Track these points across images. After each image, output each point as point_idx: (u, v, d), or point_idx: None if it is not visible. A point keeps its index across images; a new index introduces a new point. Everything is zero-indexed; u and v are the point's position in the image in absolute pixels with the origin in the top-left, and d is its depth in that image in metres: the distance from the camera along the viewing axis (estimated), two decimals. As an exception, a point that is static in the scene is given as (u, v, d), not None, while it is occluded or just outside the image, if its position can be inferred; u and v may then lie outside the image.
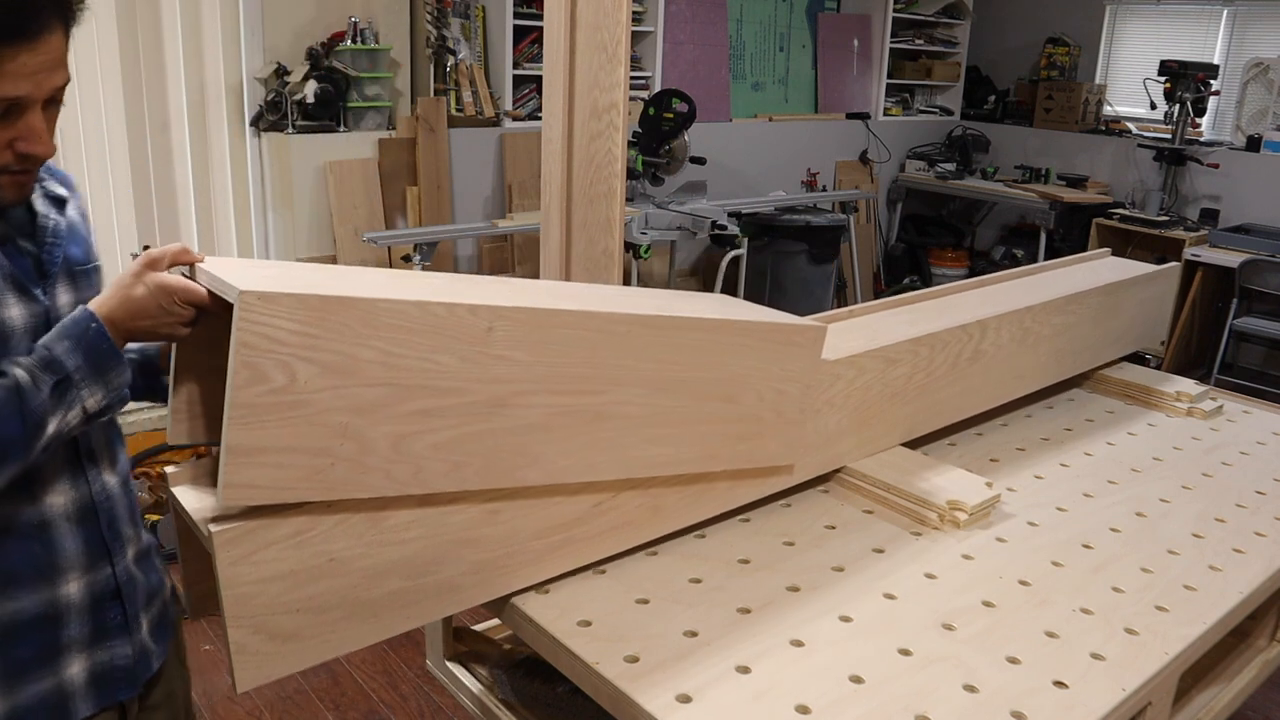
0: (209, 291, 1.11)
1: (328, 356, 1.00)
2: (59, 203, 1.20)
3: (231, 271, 1.03)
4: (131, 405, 1.19)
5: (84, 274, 1.21)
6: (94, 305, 1.09)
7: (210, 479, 1.17)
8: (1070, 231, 5.72)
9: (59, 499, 1.15)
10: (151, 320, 1.11)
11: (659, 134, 4.63)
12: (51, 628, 1.15)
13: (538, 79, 4.68)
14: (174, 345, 1.19)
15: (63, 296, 1.16)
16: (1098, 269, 2.44)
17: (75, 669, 1.18)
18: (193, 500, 1.12)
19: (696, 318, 1.33)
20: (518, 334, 1.14)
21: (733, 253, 4.75)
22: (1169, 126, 5.59)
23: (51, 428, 1.04)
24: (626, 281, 4.52)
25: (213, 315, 1.12)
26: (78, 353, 1.06)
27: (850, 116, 6.22)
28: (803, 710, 1.13)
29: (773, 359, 1.45)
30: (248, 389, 0.96)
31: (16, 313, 1.10)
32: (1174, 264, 2.56)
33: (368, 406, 1.05)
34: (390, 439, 1.08)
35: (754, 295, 5.18)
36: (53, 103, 1.06)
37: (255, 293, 0.94)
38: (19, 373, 1.03)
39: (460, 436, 1.14)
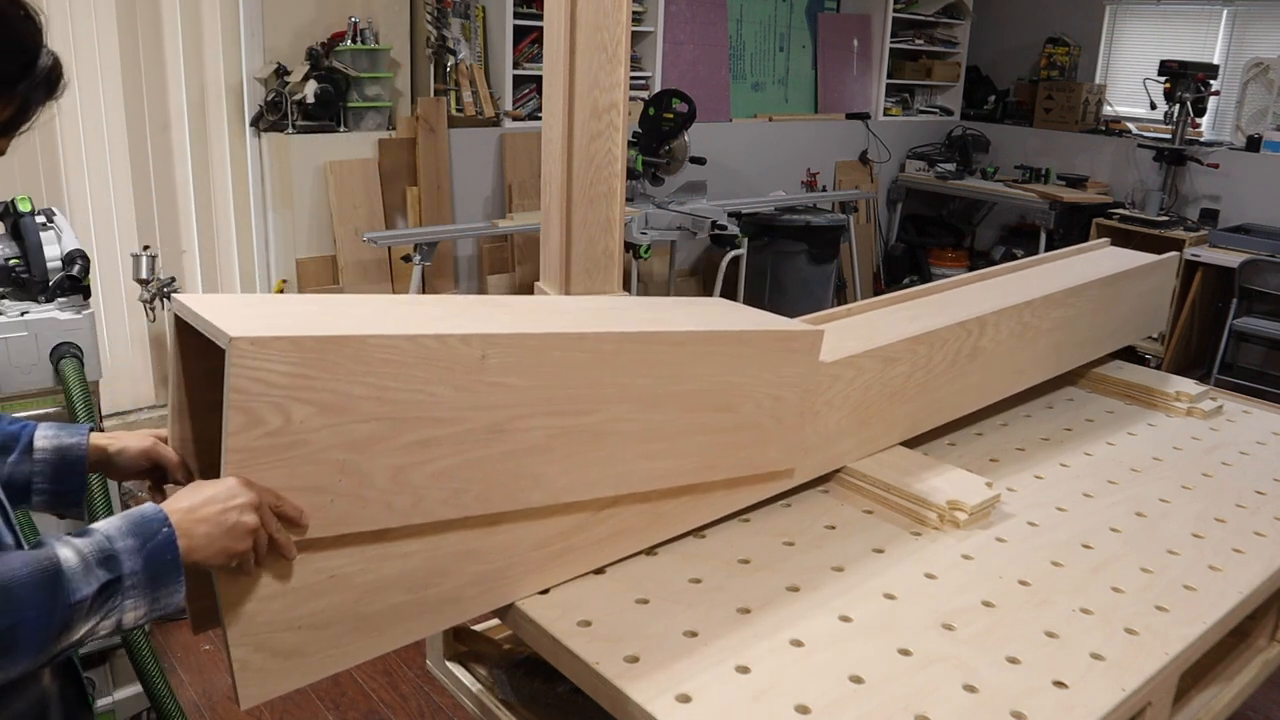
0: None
1: (322, 396, 1.01)
2: None
3: (220, 313, 1.02)
4: (129, 404, 1.18)
5: None
6: (172, 508, 0.95)
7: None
8: (1070, 231, 5.72)
9: None
10: (225, 554, 0.97)
11: (659, 134, 4.62)
12: None
13: (538, 79, 4.68)
14: (170, 384, 1.15)
15: None
16: (1097, 260, 2.44)
17: None
18: None
19: (687, 331, 1.33)
20: (511, 360, 1.15)
21: (733, 253, 4.74)
22: (1169, 126, 5.58)
23: (79, 633, 0.87)
24: (626, 281, 4.52)
25: (209, 353, 1.08)
26: (139, 556, 0.90)
27: (850, 116, 6.22)
28: (802, 710, 1.13)
29: (768, 366, 1.45)
30: (244, 433, 0.97)
31: None
32: (1172, 254, 2.55)
33: (365, 441, 1.05)
34: (389, 471, 1.08)
35: (754, 295, 5.18)
36: None
37: (247, 338, 0.94)
38: (66, 554, 0.86)
39: (459, 464, 1.14)
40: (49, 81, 0.97)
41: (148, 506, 0.95)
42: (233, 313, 1.02)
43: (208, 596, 1.07)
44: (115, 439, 1.16)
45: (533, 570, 1.30)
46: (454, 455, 1.13)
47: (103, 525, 0.91)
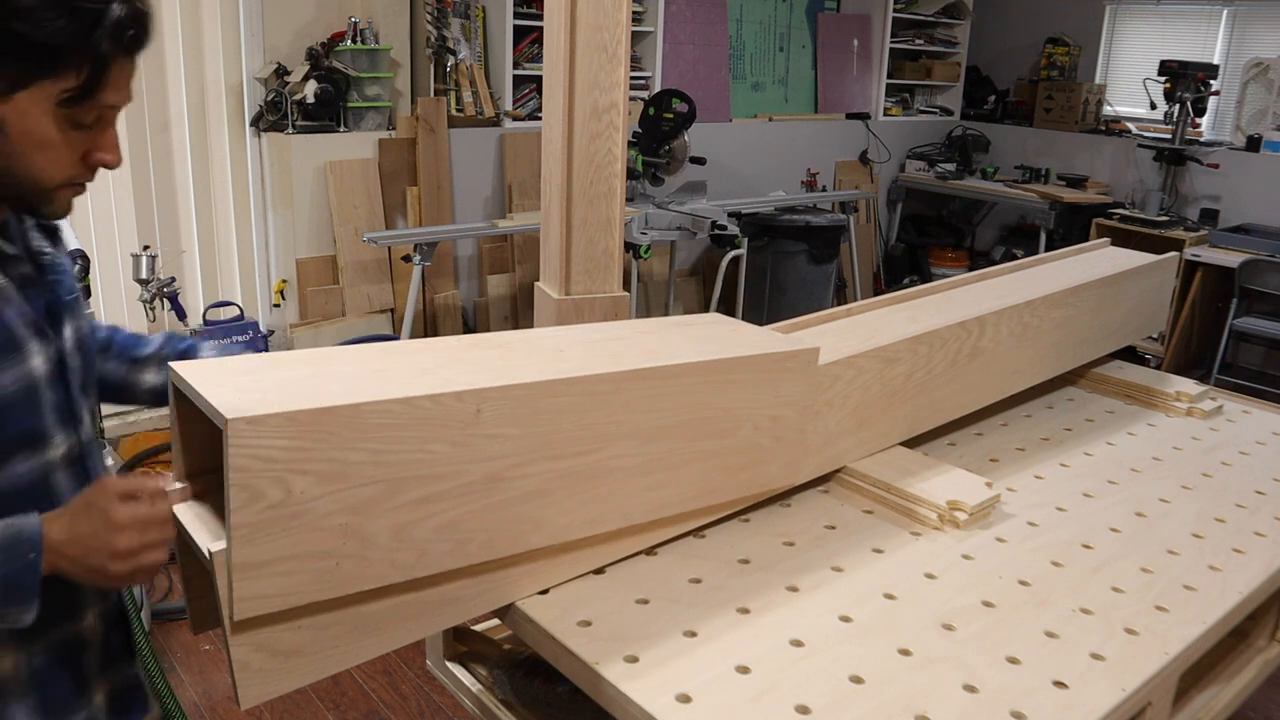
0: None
1: (320, 465, 1.02)
2: (51, 233, 1.15)
3: (216, 387, 1.03)
4: (128, 405, 1.19)
5: (74, 303, 1.14)
6: (50, 534, 0.98)
7: (210, 495, 1.17)
8: (1070, 231, 5.72)
9: None
10: (96, 579, 1.00)
11: (659, 134, 4.62)
12: (76, 663, 1.14)
13: (538, 79, 4.68)
14: (174, 416, 1.14)
15: (67, 331, 1.11)
16: (1097, 260, 2.43)
17: (99, 698, 1.18)
18: (192, 519, 1.12)
19: (681, 364, 1.34)
20: (506, 411, 1.16)
21: (733, 253, 4.74)
22: (1169, 126, 5.58)
23: None
24: (626, 281, 4.52)
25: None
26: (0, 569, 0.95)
27: (850, 116, 6.22)
28: (803, 710, 1.13)
29: (766, 387, 1.45)
30: (247, 509, 0.98)
31: (39, 361, 1.05)
32: (1172, 254, 2.54)
33: (365, 504, 1.07)
34: (391, 530, 1.10)
35: (754, 296, 5.18)
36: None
37: (244, 419, 0.95)
38: None
39: (461, 516, 1.15)
40: (118, 33, 0.92)
41: (30, 524, 0.97)
42: (228, 384, 1.04)
43: (208, 596, 1.07)
44: None
45: (533, 570, 1.30)
46: (455, 508, 1.14)
47: None
